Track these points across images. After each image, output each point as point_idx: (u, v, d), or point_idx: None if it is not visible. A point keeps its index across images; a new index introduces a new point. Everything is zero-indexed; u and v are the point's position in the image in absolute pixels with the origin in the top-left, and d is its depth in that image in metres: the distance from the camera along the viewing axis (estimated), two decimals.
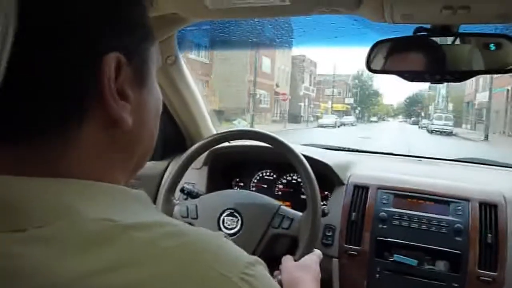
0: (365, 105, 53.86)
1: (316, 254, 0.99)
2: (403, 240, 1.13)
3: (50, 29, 0.32)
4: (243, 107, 24.72)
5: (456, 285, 1.06)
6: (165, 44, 1.20)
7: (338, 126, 28.77)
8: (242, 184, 1.47)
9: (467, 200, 1.14)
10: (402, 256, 1.11)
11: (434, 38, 0.96)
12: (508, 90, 21.82)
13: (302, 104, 34.82)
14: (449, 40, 0.97)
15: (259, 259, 0.36)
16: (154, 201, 1.30)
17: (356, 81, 52.95)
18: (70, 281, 0.29)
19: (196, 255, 0.32)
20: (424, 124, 33.93)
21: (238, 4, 0.86)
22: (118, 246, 0.31)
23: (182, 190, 1.22)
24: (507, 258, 1.05)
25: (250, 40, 1.49)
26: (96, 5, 0.35)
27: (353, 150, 1.71)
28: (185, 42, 1.31)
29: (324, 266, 1.00)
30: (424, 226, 1.13)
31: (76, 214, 0.32)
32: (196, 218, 1.07)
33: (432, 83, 1.01)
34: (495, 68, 0.94)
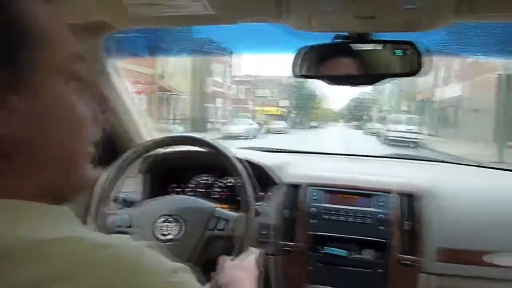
0: (304, 108, 46.45)
1: (253, 252, 1.02)
2: (334, 233, 1.21)
3: None
4: None
5: (381, 270, 1.16)
6: (92, 52, 1.18)
7: (254, 136, 19.75)
8: (179, 189, 1.47)
9: (388, 192, 1.24)
10: (333, 248, 1.19)
11: (351, 45, 1.05)
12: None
13: (212, 105, 25.71)
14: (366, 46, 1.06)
15: (183, 266, 0.38)
16: (87, 213, 1.26)
17: (292, 80, 41.02)
18: None
19: (121, 267, 0.34)
20: (370, 128, 26.59)
21: (163, 13, 0.88)
22: (44, 261, 0.32)
23: (116, 200, 1.19)
24: (425, 243, 1.16)
25: (183, 48, 1.50)
26: None
27: (289, 151, 1.79)
28: (115, 50, 1.28)
29: (262, 263, 1.04)
30: (351, 219, 1.21)
31: None
32: (131, 227, 1.06)
33: (351, 86, 1.10)
34: (404, 72, 1.04)
